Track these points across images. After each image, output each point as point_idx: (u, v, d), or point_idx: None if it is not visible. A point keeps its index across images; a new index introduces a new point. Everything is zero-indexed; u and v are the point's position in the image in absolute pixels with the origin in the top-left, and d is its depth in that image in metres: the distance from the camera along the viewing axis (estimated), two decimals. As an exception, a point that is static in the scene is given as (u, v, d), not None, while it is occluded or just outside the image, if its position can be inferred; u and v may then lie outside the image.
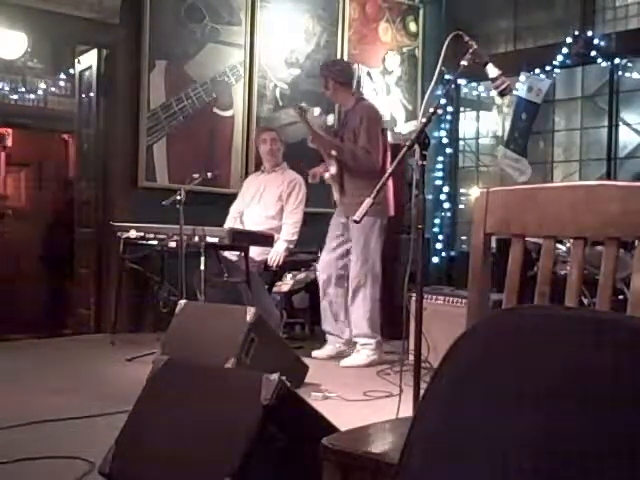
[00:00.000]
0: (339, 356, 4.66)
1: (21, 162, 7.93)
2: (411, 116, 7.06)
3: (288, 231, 5.15)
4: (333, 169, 4.62)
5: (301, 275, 5.33)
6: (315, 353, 4.70)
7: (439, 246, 7.11)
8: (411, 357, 3.18)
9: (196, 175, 4.86)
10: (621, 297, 3.60)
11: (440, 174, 7.17)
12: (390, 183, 4.20)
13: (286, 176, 5.27)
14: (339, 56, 6.53)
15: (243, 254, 4.69)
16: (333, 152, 4.55)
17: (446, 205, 7.15)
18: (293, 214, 5.19)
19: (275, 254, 5.04)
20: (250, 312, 3.46)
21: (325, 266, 4.77)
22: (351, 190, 4.56)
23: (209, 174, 4.89)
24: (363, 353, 4.57)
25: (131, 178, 5.58)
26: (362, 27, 6.71)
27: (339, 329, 4.77)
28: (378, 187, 2.58)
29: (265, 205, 5.22)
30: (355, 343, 4.64)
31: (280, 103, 6.21)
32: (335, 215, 4.79)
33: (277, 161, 5.32)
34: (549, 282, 1.44)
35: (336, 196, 4.72)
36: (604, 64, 6.16)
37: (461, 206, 7.29)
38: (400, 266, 5.09)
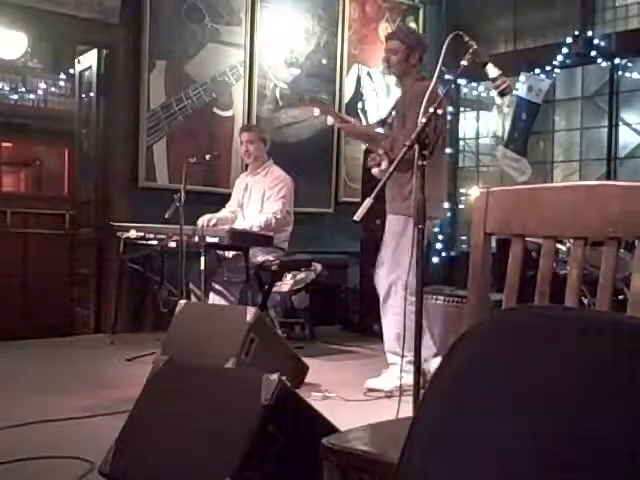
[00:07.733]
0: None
1: (21, 162, 7.94)
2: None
3: (259, 218, 4.83)
4: (384, 164, 3.83)
5: (301, 275, 5.32)
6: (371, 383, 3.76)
7: (439, 246, 7.10)
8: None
9: (193, 159, 4.71)
10: (621, 297, 3.60)
11: (440, 174, 7.16)
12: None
13: (269, 176, 5.04)
14: (339, 56, 6.53)
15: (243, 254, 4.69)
16: (362, 143, 3.71)
17: (446, 205, 7.14)
18: (273, 204, 4.89)
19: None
20: (250, 312, 3.46)
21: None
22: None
23: (207, 156, 4.83)
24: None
25: (131, 178, 5.58)
26: (362, 27, 6.71)
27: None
28: (378, 187, 2.58)
29: (252, 211, 5.03)
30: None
31: (280, 103, 6.21)
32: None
33: (257, 162, 5.07)
34: (549, 282, 1.44)
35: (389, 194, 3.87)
36: (604, 64, 6.16)
37: (461, 206, 7.29)
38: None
